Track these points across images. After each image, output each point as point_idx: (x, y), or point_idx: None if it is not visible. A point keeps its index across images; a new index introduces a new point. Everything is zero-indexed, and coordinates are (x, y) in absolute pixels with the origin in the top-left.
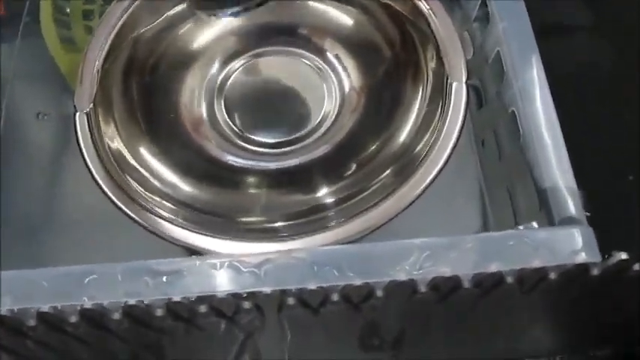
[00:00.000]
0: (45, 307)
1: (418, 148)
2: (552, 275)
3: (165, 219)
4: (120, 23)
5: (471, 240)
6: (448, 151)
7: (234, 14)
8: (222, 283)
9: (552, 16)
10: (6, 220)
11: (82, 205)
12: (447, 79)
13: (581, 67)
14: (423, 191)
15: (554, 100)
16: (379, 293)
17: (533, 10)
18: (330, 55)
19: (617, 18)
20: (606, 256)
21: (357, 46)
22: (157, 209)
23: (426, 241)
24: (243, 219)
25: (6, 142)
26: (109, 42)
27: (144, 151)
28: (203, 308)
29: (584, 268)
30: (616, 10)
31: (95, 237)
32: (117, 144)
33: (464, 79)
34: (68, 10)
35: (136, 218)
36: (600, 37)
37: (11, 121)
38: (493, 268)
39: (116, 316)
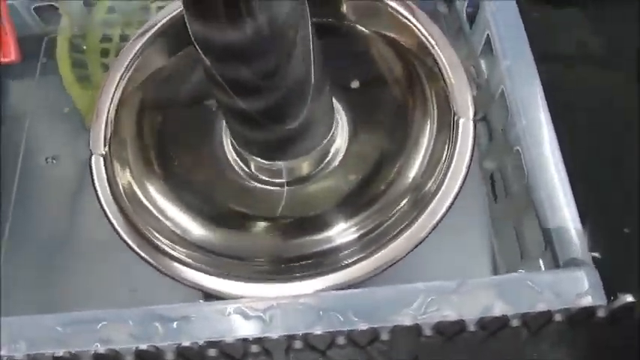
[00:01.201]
0: (59, 352)
1: (427, 185)
2: (558, 318)
3: (177, 261)
4: (134, 64)
5: (475, 284)
6: (455, 190)
7: None
8: (231, 328)
9: (558, 45)
10: (21, 260)
11: (97, 244)
12: (454, 115)
13: (587, 96)
14: (430, 232)
15: (557, 131)
16: (384, 337)
17: (538, 38)
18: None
19: (626, 46)
20: (612, 298)
21: (364, 81)
22: (170, 251)
23: (431, 285)
24: (257, 260)
25: (23, 181)
26: (123, 83)
27: (156, 193)
28: (212, 352)
29: (590, 310)
30: (625, 38)
31: (110, 277)
32: (130, 185)
33: (471, 116)
34: (85, 48)
35: (152, 262)
36: (607, 67)
37: (28, 160)
38: (498, 311)
39: (128, 359)
